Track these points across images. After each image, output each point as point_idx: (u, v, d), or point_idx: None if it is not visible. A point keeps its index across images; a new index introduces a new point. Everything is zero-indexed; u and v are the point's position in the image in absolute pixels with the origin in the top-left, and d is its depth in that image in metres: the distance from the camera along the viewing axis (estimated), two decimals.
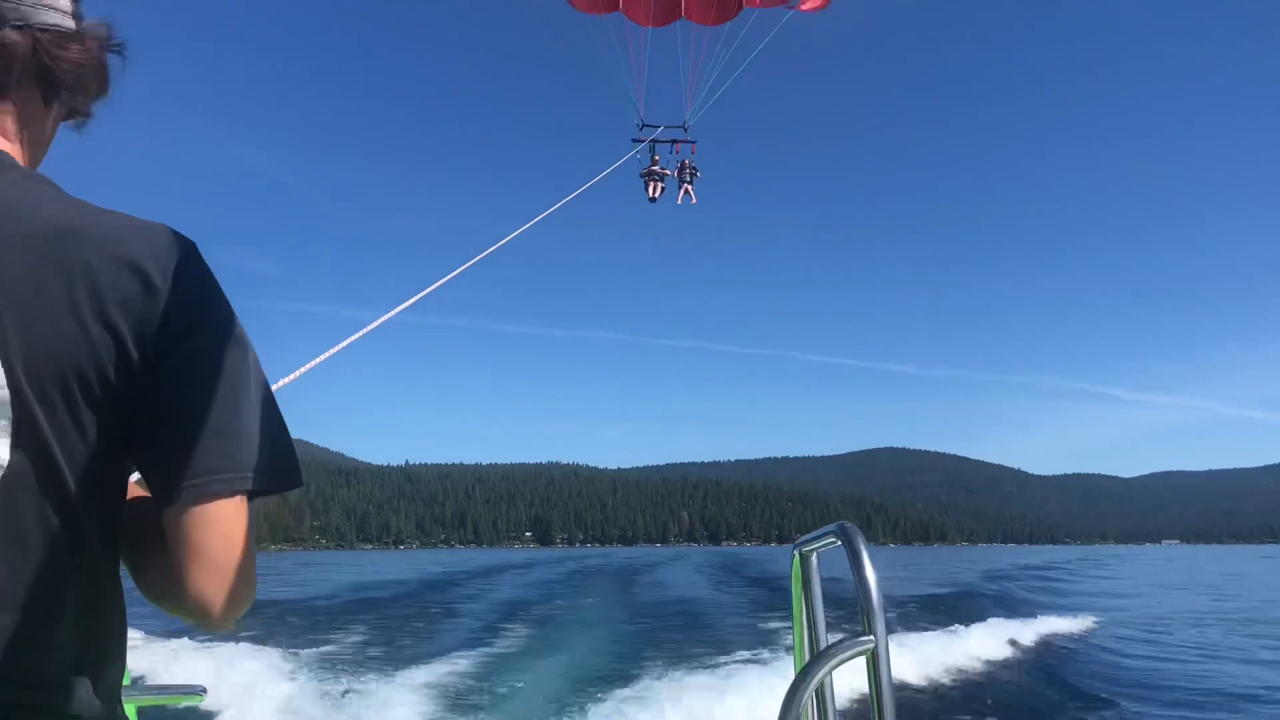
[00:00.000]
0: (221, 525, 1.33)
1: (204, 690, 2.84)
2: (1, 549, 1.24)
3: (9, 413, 1.24)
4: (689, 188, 14.98)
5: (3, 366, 1.23)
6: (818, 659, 1.81)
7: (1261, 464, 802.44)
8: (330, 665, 19.67)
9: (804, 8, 12.11)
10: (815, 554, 2.37)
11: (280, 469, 1.39)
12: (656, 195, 14.64)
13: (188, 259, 1.38)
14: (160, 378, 1.33)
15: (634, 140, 13.73)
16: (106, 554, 1.37)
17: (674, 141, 14.40)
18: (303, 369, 4.24)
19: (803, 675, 1.77)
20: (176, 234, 1.40)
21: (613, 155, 12.50)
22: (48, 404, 1.26)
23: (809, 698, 2.14)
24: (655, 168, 14.47)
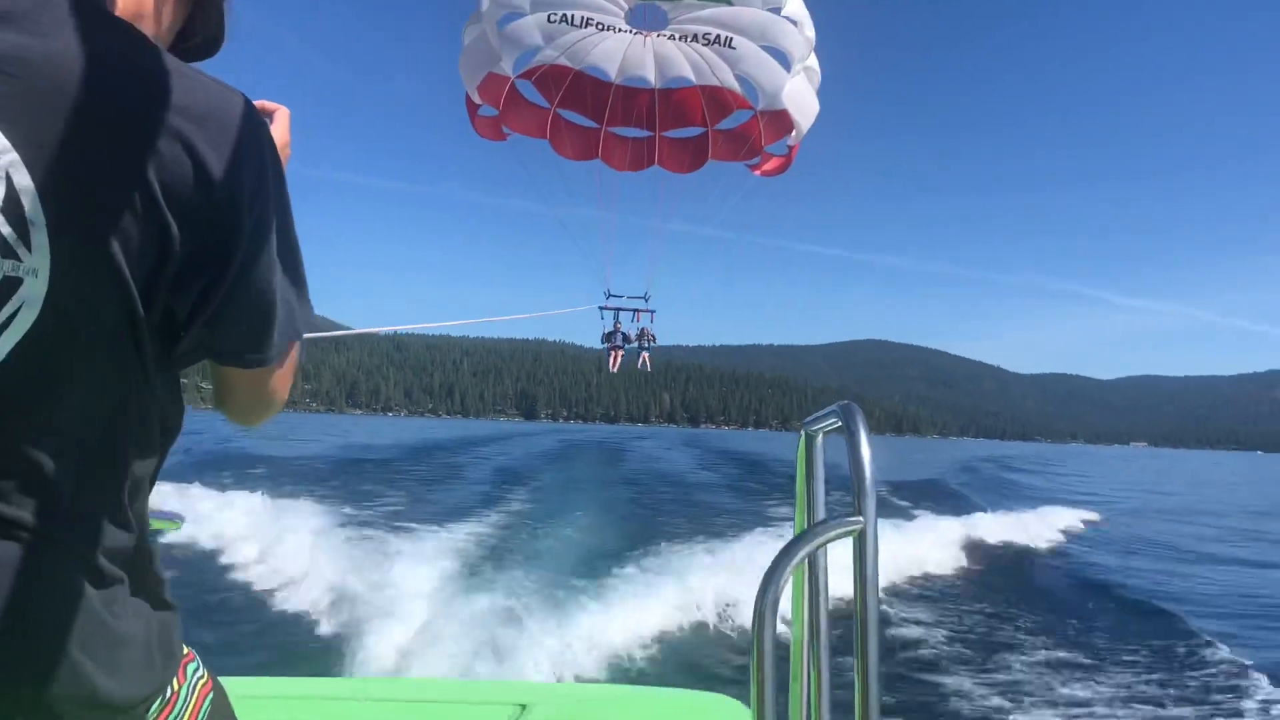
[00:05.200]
0: (252, 383, 1.48)
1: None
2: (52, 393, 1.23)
3: (47, 275, 1.18)
4: (645, 356, 17.12)
5: (47, 228, 1.18)
6: (802, 536, 1.78)
7: (1237, 372, 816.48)
8: (328, 517, 20.87)
9: (762, 170, 13.49)
10: (820, 435, 2.24)
11: (296, 331, 1.45)
12: (615, 367, 16.91)
13: (251, 147, 1.29)
14: (203, 262, 1.27)
15: (600, 307, 16.15)
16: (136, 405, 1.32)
17: (635, 310, 16.41)
18: (326, 334, 5.65)
19: (785, 550, 1.71)
20: (248, 111, 1.31)
21: None
22: (81, 265, 1.20)
23: (803, 579, 2.14)
24: (618, 332, 16.58)
